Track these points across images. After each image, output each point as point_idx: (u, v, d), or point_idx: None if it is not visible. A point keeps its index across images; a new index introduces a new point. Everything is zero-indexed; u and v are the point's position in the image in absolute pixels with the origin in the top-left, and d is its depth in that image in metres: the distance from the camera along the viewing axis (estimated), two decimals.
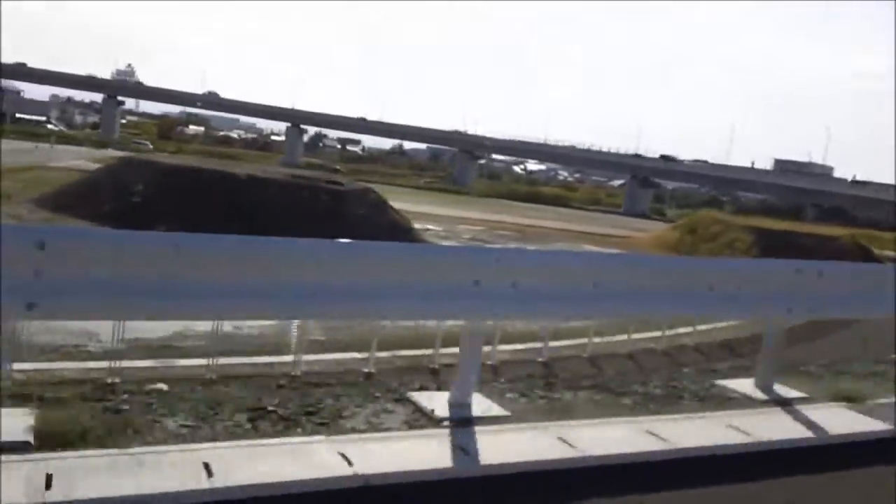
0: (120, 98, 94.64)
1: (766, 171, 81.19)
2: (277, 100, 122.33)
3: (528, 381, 4.89)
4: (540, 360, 7.74)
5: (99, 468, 2.83)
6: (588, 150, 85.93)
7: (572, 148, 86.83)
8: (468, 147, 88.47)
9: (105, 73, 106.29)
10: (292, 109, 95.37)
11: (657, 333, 10.55)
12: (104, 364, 5.01)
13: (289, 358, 11.61)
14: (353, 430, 3.57)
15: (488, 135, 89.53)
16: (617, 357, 8.70)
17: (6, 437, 2.93)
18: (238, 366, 10.83)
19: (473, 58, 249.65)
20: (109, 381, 4.41)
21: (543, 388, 4.70)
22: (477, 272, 3.84)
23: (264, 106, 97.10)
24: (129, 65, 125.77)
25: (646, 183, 75.58)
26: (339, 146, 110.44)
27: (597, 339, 9.44)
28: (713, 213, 48.89)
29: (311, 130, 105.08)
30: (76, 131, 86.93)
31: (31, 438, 2.99)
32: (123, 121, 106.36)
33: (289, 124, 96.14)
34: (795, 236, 31.04)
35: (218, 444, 3.19)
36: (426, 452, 3.43)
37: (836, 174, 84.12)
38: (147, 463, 2.92)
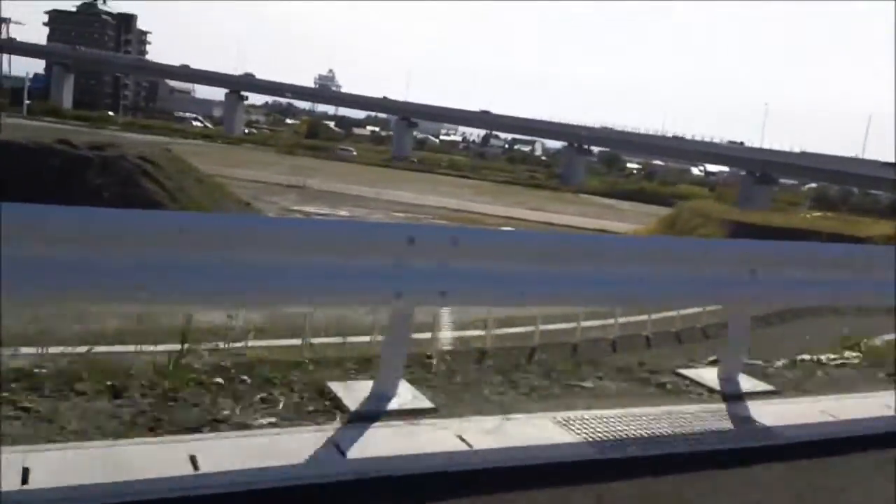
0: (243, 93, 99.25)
1: None
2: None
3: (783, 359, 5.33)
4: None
5: (485, 428, 3.41)
6: (708, 143, 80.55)
7: (681, 139, 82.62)
8: (575, 140, 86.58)
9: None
10: (403, 102, 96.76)
11: None
12: None
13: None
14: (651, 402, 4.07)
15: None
16: None
17: (413, 405, 3.51)
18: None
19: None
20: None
21: (795, 364, 5.19)
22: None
23: (374, 98, 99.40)
24: (331, 70, 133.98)
25: (764, 179, 69.02)
26: (506, 146, 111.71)
27: None
28: (700, 205, 45.63)
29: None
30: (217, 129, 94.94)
31: (433, 404, 3.56)
32: (269, 119, 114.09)
33: (396, 117, 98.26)
34: (782, 231, 29.66)
35: (571, 411, 3.75)
36: (715, 422, 3.90)
37: None
38: (514, 423, 3.53)
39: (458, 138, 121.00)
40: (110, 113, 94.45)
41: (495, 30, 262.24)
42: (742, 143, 79.69)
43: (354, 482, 2.83)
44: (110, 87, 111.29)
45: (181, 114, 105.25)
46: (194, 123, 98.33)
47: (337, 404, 3.46)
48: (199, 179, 32.06)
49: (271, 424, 3.20)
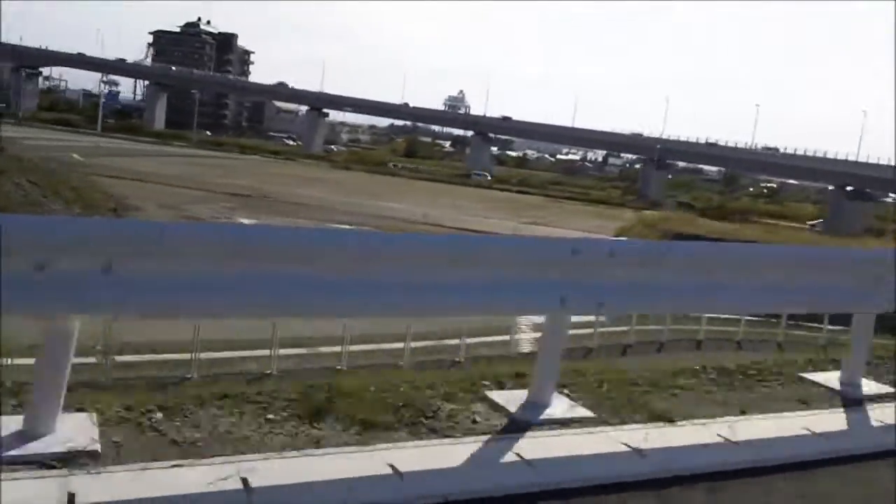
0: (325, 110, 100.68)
1: None
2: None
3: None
4: None
5: (648, 436, 3.69)
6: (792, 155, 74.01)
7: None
8: (650, 154, 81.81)
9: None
10: (477, 116, 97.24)
11: None
12: None
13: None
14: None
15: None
16: None
17: (573, 414, 3.81)
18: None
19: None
20: None
21: None
22: None
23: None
24: (461, 91, 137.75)
25: (857, 195, 62.53)
26: (626, 165, 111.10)
27: None
28: (650, 216, 46.27)
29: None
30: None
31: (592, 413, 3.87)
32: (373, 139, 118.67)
33: (471, 133, 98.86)
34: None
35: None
36: (839, 423, 4.25)
37: None
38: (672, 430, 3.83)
39: (577, 157, 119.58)
40: (208, 133, 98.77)
41: (496, 30, 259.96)
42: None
43: (541, 493, 3.02)
44: (203, 105, 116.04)
45: (273, 133, 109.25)
46: (287, 142, 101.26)
47: (500, 412, 3.73)
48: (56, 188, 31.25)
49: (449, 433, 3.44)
